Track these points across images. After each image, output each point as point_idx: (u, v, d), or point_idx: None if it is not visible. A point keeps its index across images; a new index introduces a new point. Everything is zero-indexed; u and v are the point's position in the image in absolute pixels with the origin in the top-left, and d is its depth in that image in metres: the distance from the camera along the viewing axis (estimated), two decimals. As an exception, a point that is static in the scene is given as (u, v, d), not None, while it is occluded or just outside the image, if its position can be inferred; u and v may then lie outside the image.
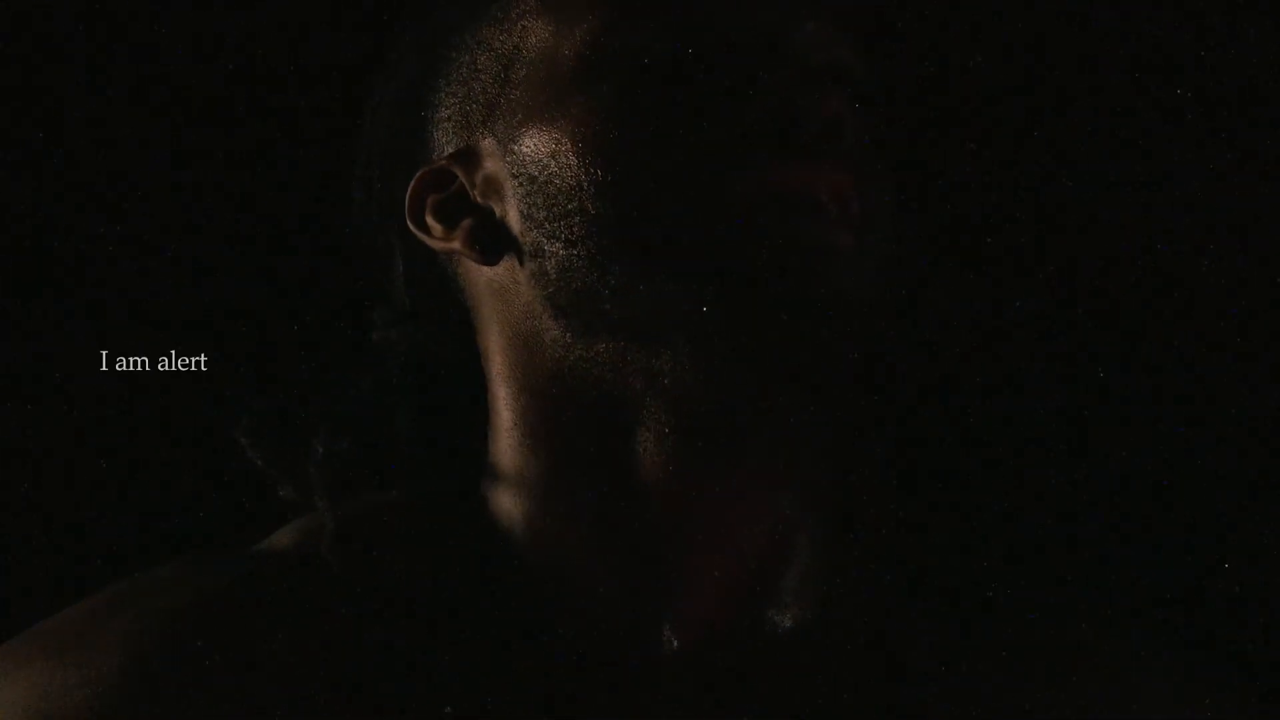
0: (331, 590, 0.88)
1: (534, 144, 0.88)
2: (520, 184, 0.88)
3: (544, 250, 0.87)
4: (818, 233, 0.83)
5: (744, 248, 0.83)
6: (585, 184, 0.85)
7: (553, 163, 0.86)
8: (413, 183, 0.93)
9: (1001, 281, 0.99)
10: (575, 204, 0.85)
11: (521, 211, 0.88)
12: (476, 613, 0.88)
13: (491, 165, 0.91)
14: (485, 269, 0.91)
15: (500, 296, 0.91)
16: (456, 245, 0.91)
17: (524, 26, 0.91)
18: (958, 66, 0.99)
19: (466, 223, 0.91)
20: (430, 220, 0.93)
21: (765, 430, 0.86)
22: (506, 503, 0.90)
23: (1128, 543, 0.98)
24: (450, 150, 0.93)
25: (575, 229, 0.85)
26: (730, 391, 0.85)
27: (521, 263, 0.89)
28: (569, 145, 0.86)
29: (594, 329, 0.86)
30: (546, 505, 0.89)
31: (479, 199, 0.91)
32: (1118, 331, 0.99)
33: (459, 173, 0.92)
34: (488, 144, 0.91)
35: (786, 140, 0.84)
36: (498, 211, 0.90)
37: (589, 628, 0.88)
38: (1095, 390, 0.99)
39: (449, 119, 0.94)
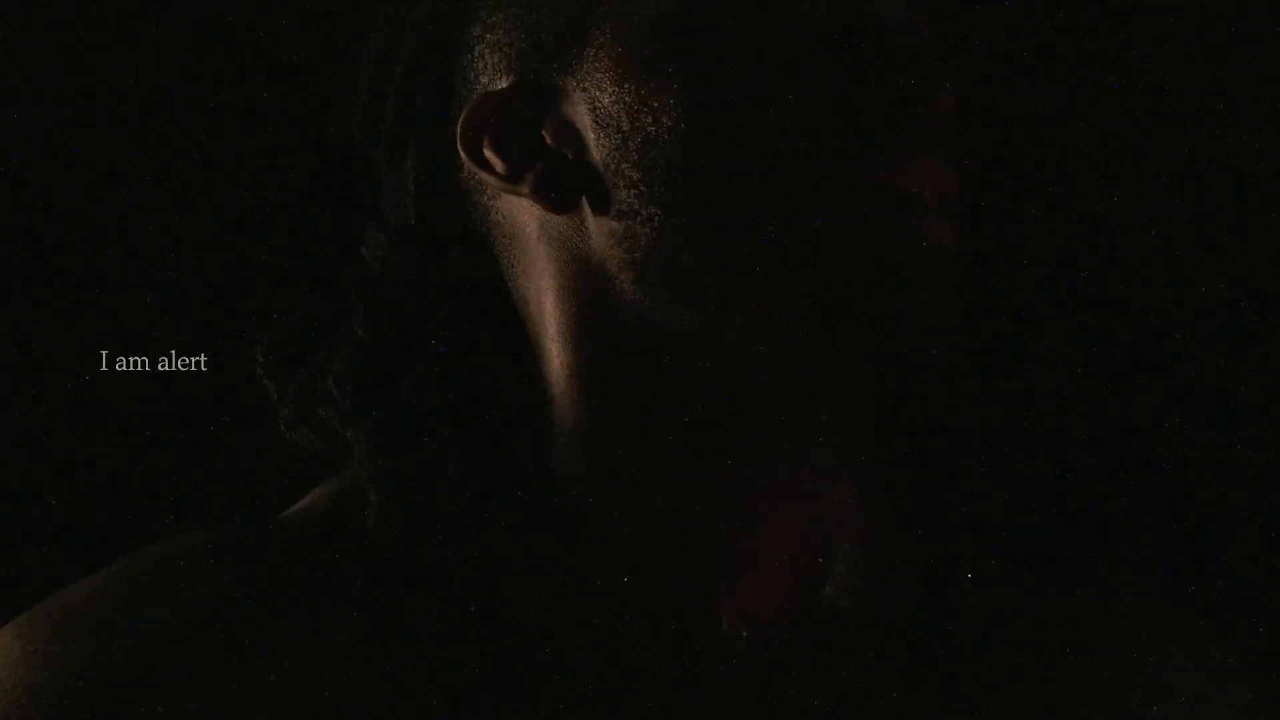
0: (377, 562, 0.84)
1: (628, 98, 0.82)
2: (607, 135, 0.83)
3: (637, 212, 0.82)
4: (924, 227, 0.81)
5: (856, 238, 0.80)
6: (691, 151, 0.81)
7: (650, 121, 0.82)
8: (468, 109, 0.87)
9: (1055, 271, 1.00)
10: (680, 170, 0.81)
11: (608, 165, 0.83)
12: (533, 582, 0.85)
13: (569, 109, 0.85)
14: (544, 213, 0.86)
15: (562, 246, 0.85)
16: (525, 190, 0.85)
17: None
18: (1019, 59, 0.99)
19: (539, 166, 0.85)
20: (491, 155, 0.86)
21: (849, 419, 0.85)
22: (562, 464, 0.85)
23: (1176, 524, 0.99)
24: (511, 79, 0.87)
25: (677, 195, 0.81)
26: (823, 379, 0.82)
27: (603, 215, 0.83)
28: (674, 107, 0.81)
29: (685, 301, 0.82)
30: (609, 472, 0.85)
31: (551, 141, 0.85)
32: (1165, 323, 1.00)
33: (524, 108, 0.86)
34: (565, 84, 0.85)
35: (901, 131, 0.82)
36: (572, 157, 0.85)
37: (647, 603, 0.85)
38: (1141, 376, 1.00)
39: (510, 44, 0.87)
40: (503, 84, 0.87)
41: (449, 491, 0.85)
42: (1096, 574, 0.93)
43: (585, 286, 0.85)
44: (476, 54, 0.89)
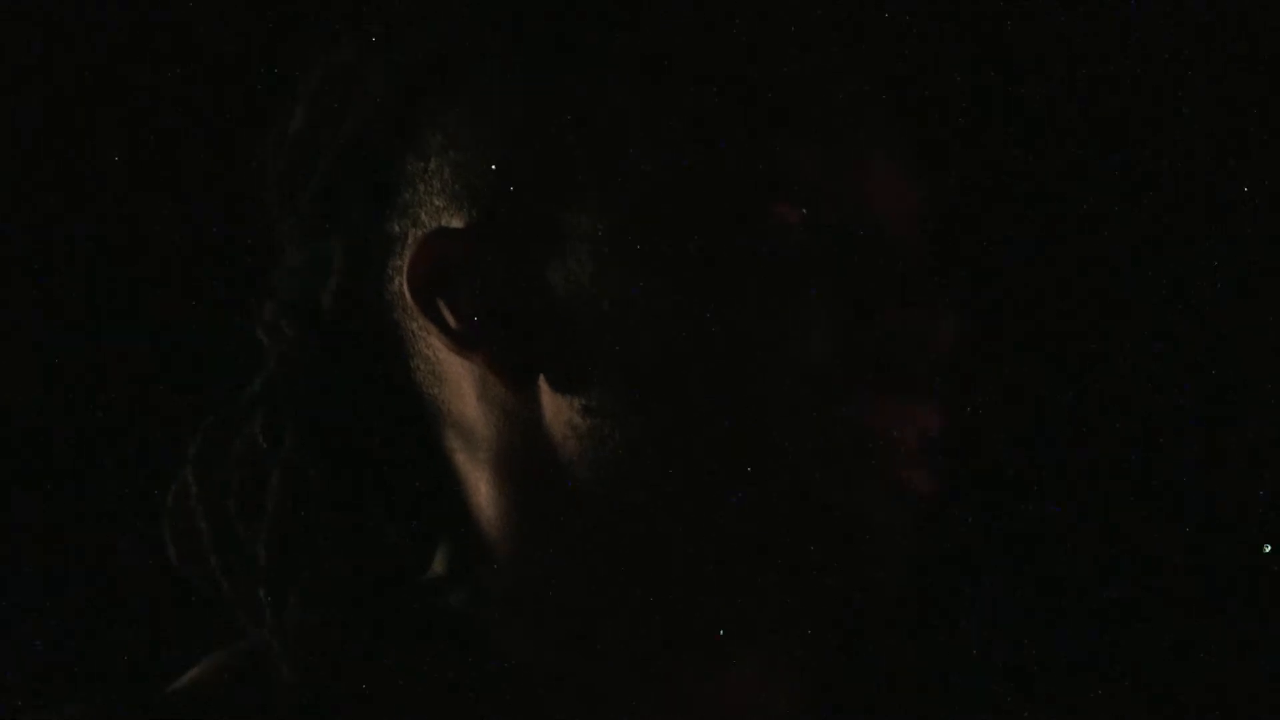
0: None
1: (614, 285, 0.74)
2: (586, 317, 0.75)
3: (611, 413, 0.75)
4: (904, 478, 0.76)
5: (832, 485, 0.75)
6: (686, 369, 0.74)
7: (638, 321, 0.74)
8: (421, 244, 0.77)
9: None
10: (671, 385, 0.74)
11: (581, 351, 0.75)
12: None
13: (541, 272, 0.76)
14: (489, 376, 0.77)
15: (505, 415, 0.77)
16: (477, 359, 0.76)
17: (647, 126, 0.75)
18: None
19: (499, 335, 0.76)
20: (445, 309, 0.77)
21: (799, 639, 0.81)
22: (493, 633, 0.79)
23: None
24: (474, 215, 0.77)
25: (664, 410, 0.74)
26: (777, 606, 0.78)
27: (564, 399, 0.76)
28: (668, 315, 0.74)
29: (647, 510, 0.76)
30: (545, 647, 0.78)
31: (515, 306, 0.76)
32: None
33: (487, 258, 0.76)
34: (538, 241, 0.76)
35: (896, 377, 0.76)
36: (537, 330, 0.76)
37: None
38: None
39: (477, 174, 0.77)
40: (460, 219, 0.77)
41: (371, 661, 0.78)
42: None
43: (528, 466, 0.77)
44: (433, 167, 0.78)
